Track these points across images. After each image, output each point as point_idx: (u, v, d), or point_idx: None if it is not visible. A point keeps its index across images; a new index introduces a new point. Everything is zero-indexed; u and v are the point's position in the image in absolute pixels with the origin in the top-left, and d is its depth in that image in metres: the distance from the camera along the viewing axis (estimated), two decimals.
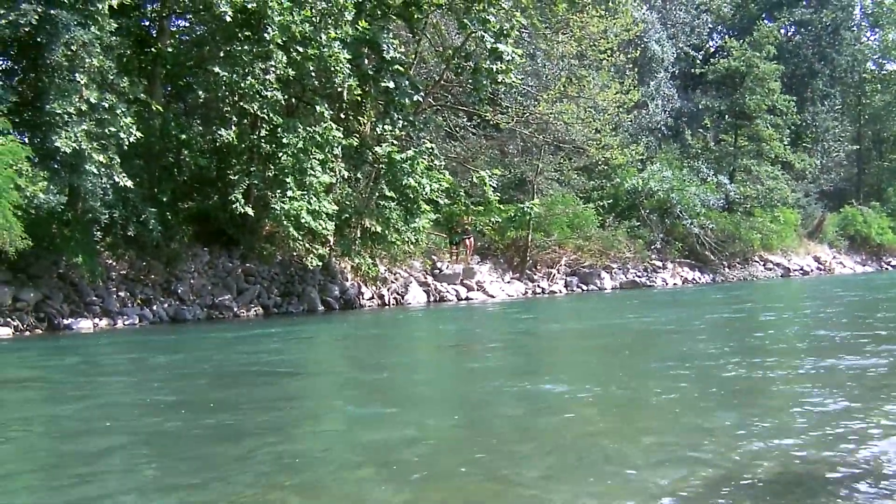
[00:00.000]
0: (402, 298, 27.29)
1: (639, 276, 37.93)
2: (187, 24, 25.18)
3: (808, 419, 7.36)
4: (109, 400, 10.05)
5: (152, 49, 21.99)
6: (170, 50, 22.30)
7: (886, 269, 56.39)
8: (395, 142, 24.35)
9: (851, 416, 7.33)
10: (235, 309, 22.80)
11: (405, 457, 6.56)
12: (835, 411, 7.58)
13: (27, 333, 18.52)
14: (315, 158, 21.86)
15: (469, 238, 31.79)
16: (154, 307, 21.45)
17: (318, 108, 22.34)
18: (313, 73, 22.63)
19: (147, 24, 23.73)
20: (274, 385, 10.80)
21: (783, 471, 5.76)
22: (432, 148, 25.66)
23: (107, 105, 18.27)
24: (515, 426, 7.60)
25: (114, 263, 21.83)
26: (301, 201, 21.36)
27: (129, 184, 18.93)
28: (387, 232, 23.87)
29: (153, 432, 7.81)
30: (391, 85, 23.67)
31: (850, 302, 23.20)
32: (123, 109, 18.63)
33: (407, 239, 24.55)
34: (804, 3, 59.71)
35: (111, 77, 18.91)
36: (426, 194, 23.84)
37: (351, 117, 25.23)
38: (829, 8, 59.76)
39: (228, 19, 19.93)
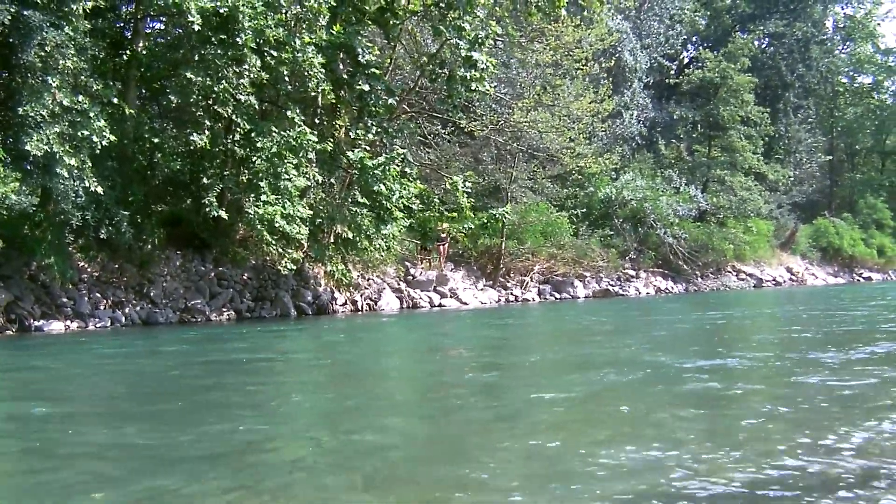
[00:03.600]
0: (376, 304, 27.27)
1: (612, 285, 38.08)
2: (162, 27, 25.10)
3: (777, 431, 7.42)
4: (77, 403, 10.02)
5: (127, 51, 21.90)
6: (144, 53, 22.21)
7: (858, 280, 56.77)
8: (367, 148, 24.28)
9: (820, 426, 7.38)
10: (208, 313, 22.73)
11: (374, 463, 6.57)
12: (802, 422, 7.64)
13: None
14: (289, 163, 21.80)
15: (443, 244, 31.82)
16: (126, 310, 21.36)
17: (289, 112, 22.28)
18: (287, 78, 22.61)
19: (121, 26, 23.63)
20: (243, 390, 10.78)
21: (750, 481, 5.79)
22: (404, 154, 25.63)
23: (80, 108, 18.18)
24: (485, 433, 7.61)
25: (86, 266, 21.73)
26: (275, 205, 21.31)
27: (100, 189, 18.82)
28: (358, 238, 23.82)
29: (119, 435, 7.79)
30: (366, 88, 23.66)
31: (819, 316, 23.33)
32: (96, 112, 18.52)
33: (378, 246, 24.50)
34: (777, 16, 60.04)
35: (84, 79, 18.84)
36: (397, 201, 23.79)
37: (325, 122, 25.21)
38: (802, 21, 60.19)
39: (197, 28, 19.84)
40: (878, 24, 74.44)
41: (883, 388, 9.41)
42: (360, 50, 23.64)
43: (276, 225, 21.27)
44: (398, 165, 24.46)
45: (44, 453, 6.95)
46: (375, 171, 23.16)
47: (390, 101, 25.10)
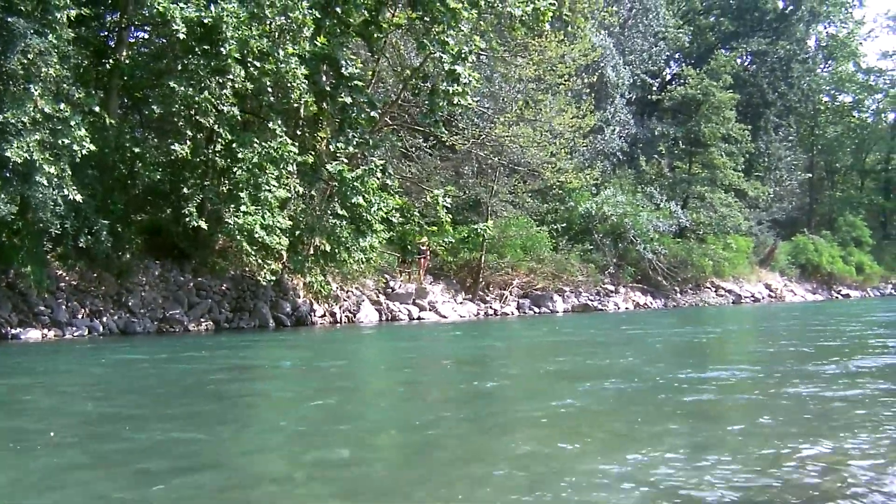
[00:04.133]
0: (354, 317, 27.25)
1: (591, 300, 38.09)
2: (146, 37, 25.07)
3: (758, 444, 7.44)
4: (51, 412, 9.97)
5: (110, 60, 21.86)
6: (127, 62, 22.16)
7: (837, 297, 56.99)
8: (346, 160, 24.26)
9: (798, 440, 7.41)
10: (186, 323, 22.69)
11: (351, 475, 6.57)
12: (782, 435, 7.67)
13: None
14: (270, 174, 21.76)
15: (423, 257, 31.82)
16: (104, 319, 21.31)
17: (270, 124, 22.23)
18: (270, 89, 22.58)
19: (105, 35, 23.62)
20: (221, 401, 10.75)
21: (731, 493, 5.82)
22: (383, 165, 25.60)
23: (61, 116, 18.12)
24: (463, 446, 7.61)
25: (64, 274, 21.68)
26: (255, 216, 21.26)
27: (79, 198, 18.74)
28: (337, 250, 23.79)
29: (92, 446, 7.75)
30: (348, 100, 23.65)
31: (802, 332, 23.43)
32: (78, 121, 18.47)
33: (357, 258, 24.46)
34: (760, 34, 60.31)
35: (67, 87, 18.80)
36: (375, 213, 23.77)
37: (307, 133, 25.19)
38: (785, 40, 60.45)
39: (182, 37, 19.81)
40: (860, 43, 74.99)
41: (872, 400, 9.49)
42: (343, 62, 23.65)
43: (256, 235, 21.23)
44: (378, 178, 24.44)
45: None
46: (354, 184, 23.15)
47: (372, 113, 25.07)
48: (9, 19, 17.37)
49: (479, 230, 30.02)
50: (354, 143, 24.35)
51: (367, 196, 23.45)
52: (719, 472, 6.37)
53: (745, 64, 61.13)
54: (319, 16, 23.19)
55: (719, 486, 5.96)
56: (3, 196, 17.96)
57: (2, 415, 9.75)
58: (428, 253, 31.70)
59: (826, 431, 7.84)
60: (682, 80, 53.98)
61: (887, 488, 5.91)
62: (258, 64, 21.62)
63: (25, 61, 17.78)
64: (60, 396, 11.37)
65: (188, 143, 21.30)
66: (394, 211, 24.97)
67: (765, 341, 20.20)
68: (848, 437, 7.51)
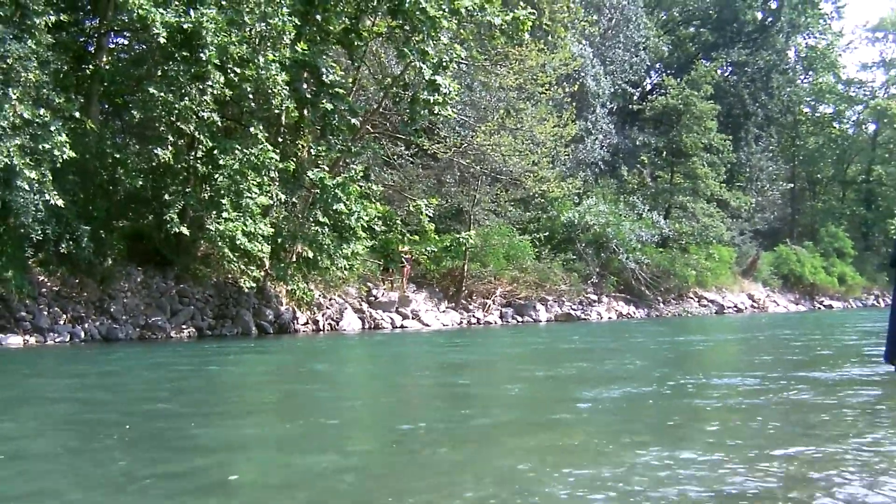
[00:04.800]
0: (337, 325, 27.24)
1: (574, 309, 38.15)
2: (126, 42, 25.10)
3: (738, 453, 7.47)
4: (32, 416, 9.96)
5: (90, 66, 21.87)
6: (107, 67, 22.19)
7: (819, 308, 57.20)
8: (326, 167, 24.27)
9: (780, 450, 7.45)
10: (168, 330, 22.66)
11: (335, 483, 6.54)
12: (765, 446, 7.71)
13: None
14: (252, 181, 21.77)
15: (406, 266, 31.83)
16: (86, 325, 21.26)
17: (251, 129, 22.23)
18: (251, 95, 22.61)
19: (85, 40, 23.64)
20: (204, 407, 10.73)
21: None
22: (365, 170, 25.64)
23: (41, 121, 18.14)
24: (449, 455, 7.58)
25: (45, 280, 21.65)
26: (236, 222, 21.26)
27: (61, 202, 18.73)
28: (319, 258, 23.79)
29: (72, 451, 7.74)
30: (329, 107, 23.66)
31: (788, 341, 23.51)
32: (58, 126, 18.49)
33: (339, 266, 24.44)
34: (741, 45, 60.59)
35: (46, 92, 18.82)
36: (356, 221, 23.78)
37: (288, 140, 25.21)
38: (765, 50, 60.75)
39: (163, 41, 19.84)
40: (840, 54, 75.55)
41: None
42: (324, 70, 23.66)
43: (238, 242, 21.22)
44: (360, 186, 24.48)
45: None
46: (335, 190, 23.17)
47: (353, 121, 25.10)
48: None
49: (461, 239, 30.07)
50: (336, 149, 24.36)
51: (347, 203, 23.46)
52: (709, 475, 6.39)
53: (726, 74, 61.35)
54: (299, 23, 23.24)
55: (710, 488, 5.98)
56: None
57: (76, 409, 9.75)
58: (410, 261, 31.67)
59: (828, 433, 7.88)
60: (662, 91, 54.20)
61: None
62: (238, 70, 21.66)
63: (4, 66, 17.82)
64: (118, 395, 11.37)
65: (170, 148, 21.27)
66: (376, 219, 24.95)
67: (770, 350, 20.24)
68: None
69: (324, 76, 23.68)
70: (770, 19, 62.71)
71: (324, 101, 23.74)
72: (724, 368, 14.74)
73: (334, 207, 23.30)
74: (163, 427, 8.37)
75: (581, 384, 12.28)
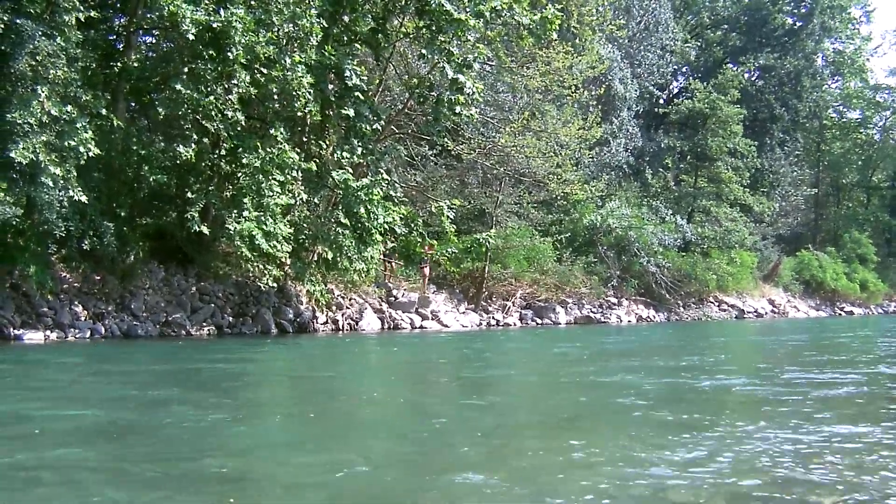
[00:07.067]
0: (357, 324, 27.26)
1: (594, 312, 38.07)
2: (154, 41, 25.15)
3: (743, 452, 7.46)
4: (48, 415, 9.99)
5: (118, 63, 21.90)
6: (135, 65, 22.21)
7: (840, 314, 56.97)
8: (350, 169, 24.23)
9: (787, 449, 7.44)
10: (188, 327, 22.72)
11: (350, 482, 6.58)
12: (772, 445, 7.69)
13: None
14: (274, 180, 21.78)
15: (426, 267, 31.81)
16: (106, 322, 21.35)
17: (272, 130, 22.21)
18: (276, 96, 22.61)
19: (114, 38, 23.71)
20: (220, 406, 10.76)
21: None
22: (389, 180, 25.64)
23: (68, 117, 18.20)
24: (461, 454, 7.61)
25: (68, 276, 21.74)
26: (255, 222, 21.23)
27: (84, 199, 18.80)
28: (338, 259, 23.78)
29: (89, 451, 7.77)
30: (351, 112, 23.60)
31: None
32: (84, 123, 18.54)
33: (358, 268, 24.41)
34: (769, 49, 60.30)
35: (74, 89, 18.88)
36: (379, 224, 23.76)
37: (312, 140, 25.20)
38: (793, 55, 60.46)
39: (192, 37, 19.88)
40: (868, 59, 75.04)
41: None
42: (348, 72, 23.57)
43: (257, 242, 21.21)
44: (383, 189, 24.45)
45: None
46: (359, 193, 23.16)
47: (376, 124, 25.05)
48: (17, 21, 17.46)
49: (481, 240, 30.04)
50: (358, 152, 24.32)
51: (368, 207, 23.43)
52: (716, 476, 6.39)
53: (753, 79, 61.02)
54: (327, 24, 23.23)
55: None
56: (8, 197, 18.02)
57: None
58: (430, 263, 31.56)
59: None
60: (689, 94, 54.06)
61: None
62: (265, 70, 21.68)
63: (34, 63, 17.91)
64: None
65: (194, 146, 21.28)
66: (398, 220, 24.90)
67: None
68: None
69: (348, 79, 23.59)
70: (800, 23, 62.32)
71: (347, 106, 23.65)
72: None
73: (356, 210, 23.28)
74: (196, 425, 8.44)
75: (602, 387, 12.29)
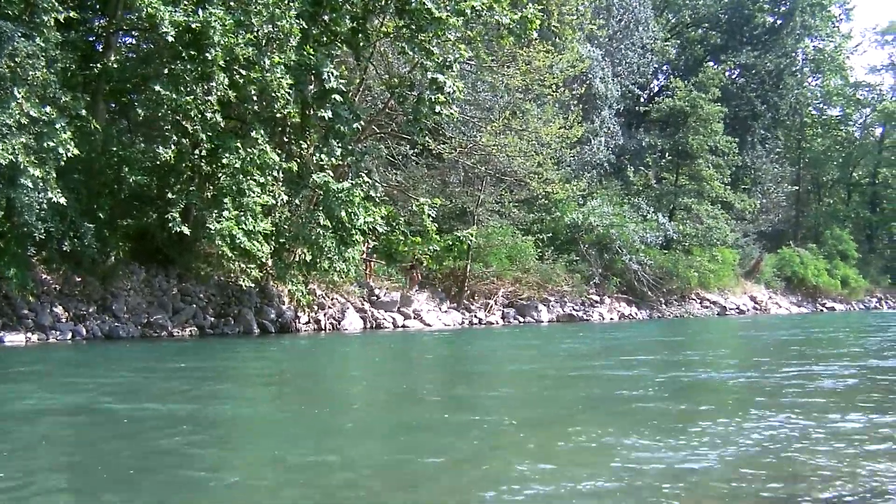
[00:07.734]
0: (339, 324, 27.26)
1: (576, 310, 38.16)
2: (133, 42, 25.10)
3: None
4: (39, 416, 9.98)
5: (97, 64, 21.84)
6: (115, 66, 22.15)
7: (821, 310, 57.20)
8: (330, 171, 24.21)
9: (775, 450, 7.48)
10: (170, 328, 22.70)
11: (335, 482, 6.58)
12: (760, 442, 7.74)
13: None
14: (254, 180, 21.75)
15: (415, 271, 31.86)
16: (88, 323, 21.31)
17: (253, 133, 22.18)
18: (255, 97, 22.58)
19: (93, 39, 23.65)
20: (204, 408, 10.75)
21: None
22: (370, 181, 25.65)
23: (47, 119, 18.15)
24: (446, 454, 7.61)
25: (48, 278, 21.68)
26: (234, 221, 21.19)
27: (64, 200, 18.74)
28: (318, 260, 23.76)
29: (80, 455, 7.77)
30: (329, 114, 23.55)
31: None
32: (63, 124, 18.49)
33: (339, 269, 24.38)
34: (749, 47, 60.43)
35: (53, 91, 18.83)
36: (360, 225, 23.75)
37: (293, 141, 25.18)
38: (774, 53, 60.60)
39: (171, 39, 19.86)
40: (848, 57, 75.22)
41: None
42: (326, 74, 23.52)
43: (237, 241, 21.16)
44: (364, 191, 24.44)
45: None
46: (339, 195, 23.15)
47: (355, 125, 25.02)
48: None
49: (462, 238, 30.05)
50: (338, 153, 24.26)
51: (349, 209, 23.42)
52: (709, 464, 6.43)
53: (733, 76, 61.16)
54: (307, 25, 23.20)
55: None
56: None
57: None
58: (418, 266, 31.53)
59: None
60: (670, 92, 54.13)
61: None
62: (243, 72, 21.65)
63: (12, 64, 17.85)
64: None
65: (173, 147, 21.23)
66: (379, 220, 24.88)
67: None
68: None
69: (326, 81, 23.55)
70: (780, 22, 62.46)
71: (326, 107, 23.62)
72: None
73: (336, 213, 23.27)
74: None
75: (589, 385, 12.32)
